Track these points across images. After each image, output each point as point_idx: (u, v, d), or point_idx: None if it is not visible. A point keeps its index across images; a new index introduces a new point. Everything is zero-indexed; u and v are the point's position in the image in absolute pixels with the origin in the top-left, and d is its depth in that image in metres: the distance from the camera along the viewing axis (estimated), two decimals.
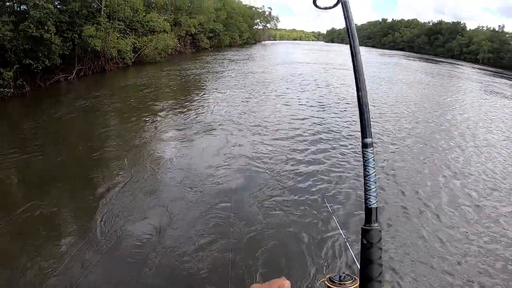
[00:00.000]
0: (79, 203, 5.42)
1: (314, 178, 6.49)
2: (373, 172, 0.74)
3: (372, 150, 0.75)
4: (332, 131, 9.52)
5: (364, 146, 0.74)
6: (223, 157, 7.35)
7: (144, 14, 23.64)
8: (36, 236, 4.46)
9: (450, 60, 54.34)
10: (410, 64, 37.77)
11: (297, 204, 5.51)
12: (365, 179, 0.75)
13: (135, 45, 21.63)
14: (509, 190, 6.61)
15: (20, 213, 4.89)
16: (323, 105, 12.62)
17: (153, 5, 27.76)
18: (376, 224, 0.73)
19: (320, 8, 0.90)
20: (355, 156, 7.66)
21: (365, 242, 0.72)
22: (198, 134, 8.89)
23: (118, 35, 18.95)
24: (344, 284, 0.69)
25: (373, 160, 0.75)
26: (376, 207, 0.73)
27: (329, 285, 0.70)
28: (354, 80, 0.81)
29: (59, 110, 11.29)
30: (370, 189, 0.73)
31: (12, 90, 11.88)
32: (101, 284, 3.77)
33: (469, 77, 28.63)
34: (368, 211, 0.73)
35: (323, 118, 10.82)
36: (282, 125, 9.87)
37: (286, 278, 0.57)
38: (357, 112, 0.82)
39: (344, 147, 8.24)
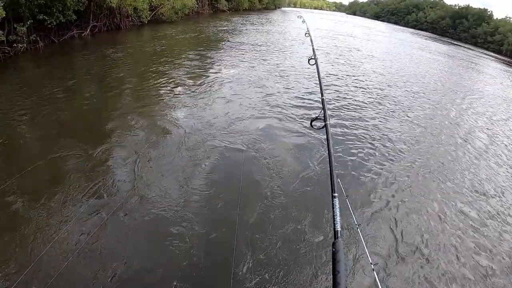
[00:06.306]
0: (93, 154, 5.53)
1: None
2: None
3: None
4: None
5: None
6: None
7: None
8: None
9: (473, 47, 51.90)
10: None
11: None
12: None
13: (152, 3, 20.48)
14: None
15: (34, 168, 4.90)
16: None
17: None
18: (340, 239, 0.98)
19: (314, 128, 1.13)
20: None
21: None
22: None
23: None
24: None
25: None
26: (340, 230, 0.93)
27: None
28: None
29: (73, 64, 11.10)
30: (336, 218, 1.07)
31: (25, 45, 11.38)
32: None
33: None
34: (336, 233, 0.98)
35: None
36: None
37: None
38: None
39: None
